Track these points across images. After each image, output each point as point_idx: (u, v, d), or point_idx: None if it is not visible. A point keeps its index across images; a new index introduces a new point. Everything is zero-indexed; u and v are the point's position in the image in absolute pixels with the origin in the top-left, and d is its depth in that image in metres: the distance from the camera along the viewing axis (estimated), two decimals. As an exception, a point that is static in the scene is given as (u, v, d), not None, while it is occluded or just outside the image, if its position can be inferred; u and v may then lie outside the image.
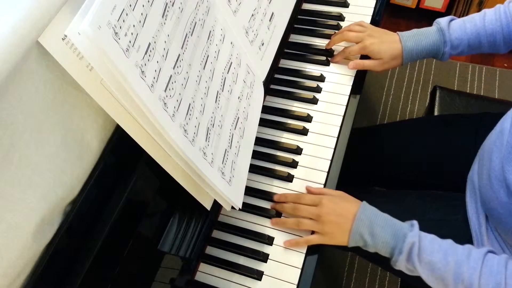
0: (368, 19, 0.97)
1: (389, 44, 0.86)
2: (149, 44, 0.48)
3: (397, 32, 0.88)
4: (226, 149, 0.65)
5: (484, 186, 0.73)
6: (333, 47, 0.94)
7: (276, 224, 0.75)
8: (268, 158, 0.82)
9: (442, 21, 0.86)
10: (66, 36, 0.42)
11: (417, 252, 0.65)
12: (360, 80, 0.91)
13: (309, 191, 0.77)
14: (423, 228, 0.67)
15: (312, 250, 0.73)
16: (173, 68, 0.53)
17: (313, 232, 0.73)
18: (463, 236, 0.77)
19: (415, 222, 0.68)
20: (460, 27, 0.84)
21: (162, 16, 0.51)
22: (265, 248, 0.74)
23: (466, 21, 0.85)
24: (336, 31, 0.94)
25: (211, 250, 0.75)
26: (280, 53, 0.94)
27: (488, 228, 0.74)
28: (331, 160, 0.81)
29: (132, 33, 0.45)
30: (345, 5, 1.00)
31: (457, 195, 0.83)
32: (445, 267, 0.63)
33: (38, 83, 0.42)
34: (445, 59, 0.87)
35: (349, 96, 0.88)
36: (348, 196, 0.75)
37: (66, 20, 0.42)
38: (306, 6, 1.03)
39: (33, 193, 0.44)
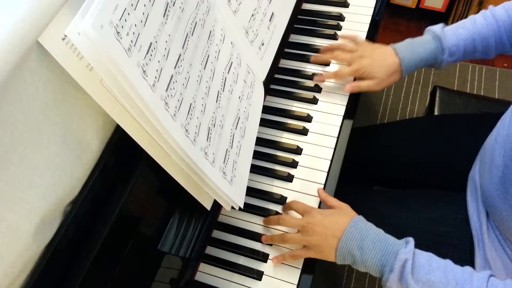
0: (368, 19, 0.97)
1: (382, 61, 0.83)
2: (151, 43, 0.48)
3: (390, 44, 0.85)
4: (227, 149, 0.65)
5: (486, 185, 0.73)
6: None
7: (265, 241, 0.73)
8: (268, 158, 0.82)
9: (436, 28, 0.84)
10: (66, 36, 0.42)
11: (411, 271, 0.60)
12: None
13: (319, 194, 0.75)
14: (423, 228, 0.67)
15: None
16: (174, 67, 0.53)
17: None
18: (463, 235, 0.77)
19: (410, 239, 0.63)
20: (454, 33, 0.83)
21: (163, 16, 0.51)
22: (265, 248, 0.74)
23: (458, 27, 0.84)
24: (327, 45, 0.91)
25: (211, 250, 0.75)
26: (280, 53, 0.94)
27: (489, 227, 0.74)
28: (331, 160, 0.81)
29: (133, 33, 0.45)
30: (345, 5, 1.00)
31: (457, 194, 0.83)
32: (446, 286, 0.58)
33: (38, 83, 0.42)
34: (442, 67, 0.86)
35: (350, 96, 0.88)
36: (348, 209, 0.70)
37: (66, 20, 0.42)
38: (306, 6, 1.03)
39: (33, 193, 0.44)
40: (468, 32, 0.83)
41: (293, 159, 0.81)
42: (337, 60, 0.88)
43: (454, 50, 0.83)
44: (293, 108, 0.88)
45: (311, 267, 0.72)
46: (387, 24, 1.99)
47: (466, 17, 1.78)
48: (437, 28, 0.84)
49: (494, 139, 0.73)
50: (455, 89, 1.71)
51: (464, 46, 0.83)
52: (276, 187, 0.79)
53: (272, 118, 0.87)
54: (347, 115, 0.86)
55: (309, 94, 0.89)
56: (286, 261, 0.71)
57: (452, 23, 2.00)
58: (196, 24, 0.58)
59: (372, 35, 0.96)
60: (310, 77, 0.91)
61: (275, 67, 0.93)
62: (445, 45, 0.83)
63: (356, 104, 0.89)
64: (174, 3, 0.53)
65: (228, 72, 0.68)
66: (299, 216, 0.72)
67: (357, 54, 0.85)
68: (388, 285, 0.62)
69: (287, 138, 0.85)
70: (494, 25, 0.82)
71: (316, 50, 0.95)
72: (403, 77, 0.85)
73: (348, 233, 0.65)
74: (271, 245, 0.74)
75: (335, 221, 0.67)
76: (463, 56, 0.85)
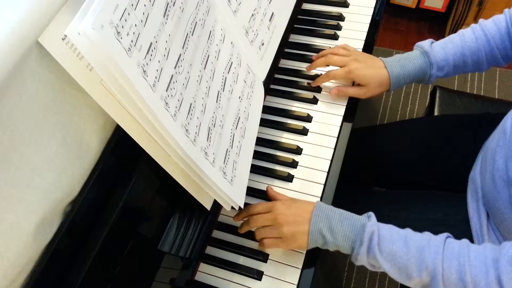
0: (368, 19, 0.97)
1: (374, 69, 0.84)
2: (151, 43, 0.48)
3: (380, 58, 0.86)
4: (227, 149, 0.65)
5: (487, 187, 0.73)
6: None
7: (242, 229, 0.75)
8: (268, 158, 0.82)
9: (424, 44, 0.84)
10: (66, 36, 0.42)
11: (377, 242, 0.63)
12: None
13: (268, 192, 0.77)
14: (423, 228, 0.67)
15: (312, 251, 0.72)
16: (174, 67, 0.53)
17: None
18: (463, 236, 0.76)
19: (371, 213, 0.68)
20: (443, 48, 0.83)
21: (164, 16, 0.51)
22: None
23: (447, 42, 0.84)
24: (319, 53, 0.90)
25: (211, 250, 0.75)
26: (280, 53, 0.94)
27: (489, 228, 0.74)
28: (331, 160, 0.81)
29: (134, 33, 0.45)
30: (345, 5, 1.00)
31: (458, 195, 0.83)
32: (407, 255, 0.62)
33: (38, 83, 0.42)
34: (431, 82, 0.86)
35: (349, 97, 0.88)
36: (300, 199, 0.74)
37: (66, 20, 0.42)
38: (306, 6, 1.03)
39: (33, 193, 0.44)
40: (456, 47, 0.83)
41: (293, 159, 0.81)
42: (331, 64, 0.87)
43: (443, 65, 0.83)
44: (293, 108, 0.88)
45: (311, 266, 0.72)
46: (387, 24, 1.99)
47: (466, 17, 1.79)
48: (425, 43, 0.85)
49: (496, 141, 0.73)
50: (455, 89, 1.71)
51: (453, 61, 0.83)
52: (276, 187, 0.79)
53: (272, 118, 0.87)
54: (347, 115, 0.86)
55: (309, 94, 0.89)
56: (265, 248, 0.72)
57: (452, 23, 2.00)
58: (196, 24, 0.58)
59: (372, 35, 0.96)
60: (310, 77, 0.91)
61: (275, 67, 0.93)
62: (433, 59, 0.83)
63: (356, 104, 0.89)
64: (174, 3, 0.53)
65: (228, 72, 0.68)
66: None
67: (351, 58, 0.85)
68: (359, 259, 0.65)
69: (287, 138, 0.85)
70: (484, 39, 0.82)
71: (316, 50, 0.95)
72: (390, 91, 0.86)
73: (316, 216, 0.68)
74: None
75: (299, 207, 0.70)
76: (454, 71, 0.85)
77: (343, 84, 0.88)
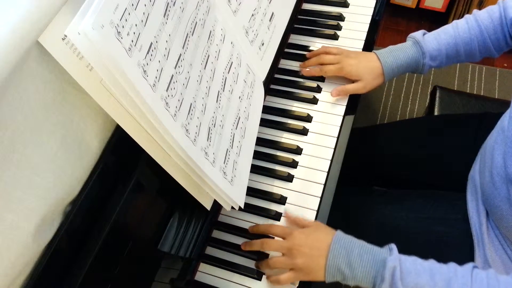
0: (368, 19, 0.97)
1: (367, 63, 0.85)
2: (151, 43, 0.48)
3: (373, 51, 0.87)
4: (227, 149, 0.65)
5: (486, 184, 0.73)
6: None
7: (257, 266, 0.72)
8: (268, 158, 0.82)
9: (416, 34, 0.85)
10: (66, 36, 0.42)
11: (400, 277, 0.60)
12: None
13: (287, 217, 0.74)
14: (423, 228, 0.67)
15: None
16: (175, 67, 0.53)
17: None
18: (463, 235, 0.77)
19: (393, 246, 0.64)
20: (436, 38, 0.84)
21: (164, 16, 0.51)
22: (265, 248, 0.74)
23: (440, 32, 0.85)
24: (311, 52, 0.91)
25: (211, 250, 0.75)
26: (280, 53, 0.94)
27: (488, 227, 0.74)
28: (331, 160, 0.81)
29: (134, 33, 0.45)
30: (345, 5, 1.00)
31: (457, 194, 0.83)
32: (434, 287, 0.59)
33: (38, 83, 0.42)
34: (425, 71, 0.86)
35: (349, 96, 0.88)
36: (322, 225, 0.71)
37: (66, 20, 0.42)
38: (306, 6, 1.03)
39: (33, 193, 0.44)
40: (449, 37, 0.84)
41: (293, 159, 0.81)
42: (323, 62, 0.88)
43: (436, 54, 0.84)
44: (293, 108, 0.88)
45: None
46: (387, 24, 1.99)
47: (466, 17, 1.79)
48: (418, 34, 0.86)
49: (494, 139, 0.73)
50: (455, 89, 1.71)
51: (446, 50, 0.84)
52: (276, 187, 0.79)
53: (272, 118, 0.87)
54: (347, 115, 0.86)
55: (309, 94, 0.89)
56: (274, 284, 0.69)
57: (452, 23, 1.98)
58: (196, 24, 0.58)
59: (372, 35, 0.96)
60: (310, 77, 0.91)
61: (275, 67, 0.93)
62: (425, 49, 0.83)
63: (356, 104, 0.89)
64: (174, 3, 0.53)
65: (228, 72, 0.68)
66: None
67: (343, 55, 0.87)
68: None
69: (287, 138, 0.85)
70: (477, 29, 0.82)
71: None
72: (385, 81, 0.87)
73: (334, 250, 0.64)
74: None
75: (317, 239, 0.67)
76: (447, 60, 0.86)
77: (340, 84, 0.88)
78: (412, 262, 0.62)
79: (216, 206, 0.69)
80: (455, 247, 0.77)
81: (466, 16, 0.85)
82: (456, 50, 0.84)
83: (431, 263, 0.62)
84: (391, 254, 0.63)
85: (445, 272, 0.60)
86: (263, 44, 0.79)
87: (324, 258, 0.64)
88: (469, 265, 0.61)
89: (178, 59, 0.54)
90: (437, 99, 1.17)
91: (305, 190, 0.78)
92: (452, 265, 0.62)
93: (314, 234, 0.68)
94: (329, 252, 0.64)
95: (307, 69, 0.91)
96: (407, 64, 0.85)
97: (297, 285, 0.70)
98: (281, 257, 0.68)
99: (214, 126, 0.62)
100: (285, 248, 0.67)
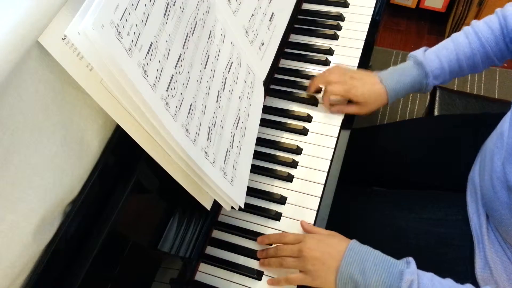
0: (368, 19, 0.97)
1: (371, 86, 0.83)
2: (151, 43, 0.48)
3: (375, 72, 0.85)
4: (227, 149, 0.65)
5: (485, 187, 0.73)
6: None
7: (262, 265, 0.72)
8: (268, 158, 0.82)
9: (417, 53, 0.84)
10: (66, 36, 0.42)
11: None
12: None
13: (302, 226, 0.74)
14: (423, 228, 0.67)
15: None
16: (175, 67, 0.53)
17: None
18: (463, 236, 0.77)
19: (411, 259, 0.63)
20: (437, 56, 0.82)
21: (164, 16, 0.51)
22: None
23: (440, 49, 0.83)
24: (316, 76, 0.89)
25: (211, 250, 0.75)
26: (280, 53, 0.94)
27: (488, 228, 0.74)
28: (331, 160, 0.81)
29: (134, 33, 0.45)
30: (345, 5, 1.00)
31: (458, 195, 0.83)
32: None
33: (38, 83, 0.42)
34: (429, 90, 0.85)
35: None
36: (337, 234, 0.69)
37: (66, 20, 0.42)
38: (306, 6, 1.03)
39: (33, 193, 0.44)
40: (451, 54, 0.82)
41: (293, 159, 0.81)
42: (328, 82, 0.86)
43: (438, 73, 0.83)
44: (293, 108, 0.88)
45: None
46: (387, 24, 1.99)
47: (466, 17, 1.79)
48: (419, 53, 0.84)
49: (494, 142, 0.73)
50: (455, 89, 1.71)
51: (448, 67, 0.83)
52: (276, 187, 0.79)
53: (272, 118, 0.87)
54: (347, 115, 0.86)
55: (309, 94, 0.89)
56: (281, 285, 0.69)
57: (452, 23, 1.99)
58: (196, 24, 0.58)
59: (372, 35, 0.96)
60: (310, 77, 0.91)
61: (275, 67, 0.93)
62: (428, 69, 0.82)
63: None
64: (174, 3, 0.53)
65: (228, 72, 0.68)
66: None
67: (348, 76, 0.85)
68: None
69: (287, 138, 0.85)
70: (478, 43, 0.81)
71: (316, 50, 0.95)
72: (388, 105, 0.85)
73: (348, 257, 0.63)
74: (271, 245, 0.74)
75: (330, 244, 0.66)
76: (450, 76, 0.85)
77: (340, 102, 0.86)
78: (430, 278, 0.60)
79: (216, 206, 0.69)
80: (455, 248, 0.77)
81: (465, 29, 0.84)
82: (458, 66, 0.83)
83: (449, 281, 0.60)
84: (408, 266, 0.61)
85: None
86: (263, 44, 0.79)
87: (336, 262, 0.63)
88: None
89: (178, 59, 0.54)
90: (437, 99, 1.17)
91: (305, 190, 0.78)
92: (469, 286, 0.60)
93: (327, 240, 0.67)
94: (343, 258, 0.63)
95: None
96: (410, 87, 0.83)
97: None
98: (293, 259, 0.68)
99: (214, 126, 0.62)
100: (298, 251, 0.67)
